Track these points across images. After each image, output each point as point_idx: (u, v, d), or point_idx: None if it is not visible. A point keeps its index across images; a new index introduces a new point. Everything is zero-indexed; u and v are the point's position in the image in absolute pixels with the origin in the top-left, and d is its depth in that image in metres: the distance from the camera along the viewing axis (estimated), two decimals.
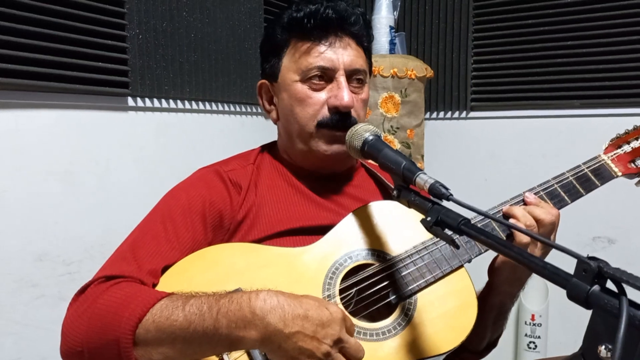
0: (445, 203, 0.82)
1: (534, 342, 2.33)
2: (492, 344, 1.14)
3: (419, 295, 0.96)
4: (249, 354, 0.85)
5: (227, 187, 1.05)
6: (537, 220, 0.96)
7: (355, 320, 0.91)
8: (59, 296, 1.59)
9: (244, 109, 2.25)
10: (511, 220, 0.97)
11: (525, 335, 2.34)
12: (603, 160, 1.10)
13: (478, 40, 2.55)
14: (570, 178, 1.07)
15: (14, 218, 1.52)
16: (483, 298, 1.05)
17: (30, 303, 1.55)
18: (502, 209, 1.01)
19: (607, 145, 1.14)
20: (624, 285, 0.55)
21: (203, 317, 0.77)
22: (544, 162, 2.37)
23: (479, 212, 0.79)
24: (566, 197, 1.05)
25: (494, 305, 1.06)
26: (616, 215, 2.10)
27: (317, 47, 1.04)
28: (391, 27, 2.41)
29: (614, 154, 1.11)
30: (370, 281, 0.96)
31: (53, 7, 1.56)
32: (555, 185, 1.06)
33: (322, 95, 1.05)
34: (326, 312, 0.77)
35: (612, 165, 1.10)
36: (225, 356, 0.84)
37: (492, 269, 1.05)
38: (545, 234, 0.97)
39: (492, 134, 2.57)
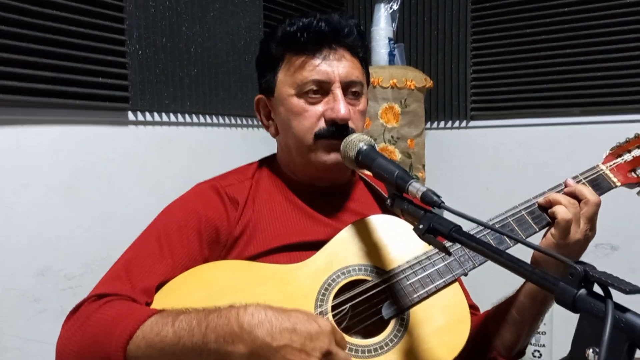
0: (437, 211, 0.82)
1: (538, 351, 2.32)
2: (522, 352, 1.11)
3: (412, 310, 0.95)
4: None
5: (224, 202, 1.05)
6: (584, 198, 0.99)
7: (347, 337, 0.90)
8: (60, 311, 1.59)
9: (245, 122, 2.27)
10: (555, 207, 0.99)
11: (530, 343, 2.32)
12: (601, 170, 1.08)
13: (477, 50, 2.57)
14: (566, 190, 1.04)
15: (16, 233, 1.53)
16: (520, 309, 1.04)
17: (33, 318, 1.56)
18: (537, 200, 1.03)
19: (606, 155, 1.12)
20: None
21: (192, 332, 0.77)
22: (545, 170, 2.36)
23: (472, 220, 0.78)
24: None
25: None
26: (619, 222, 2.09)
27: (311, 60, 1.04)
28: (390, 39, 2.42)
29: (614, 164, 1.09)
30: (363, 297, 0.96)
31: (54, 24, 1.59)
32: None
33: (318, 108, 1.04)
34: (315, 325, 0.77)
35: (611, 176, 1.08)
36: None
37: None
38: (591, 214, 0.99)
39: (492, 143, 2.57)
